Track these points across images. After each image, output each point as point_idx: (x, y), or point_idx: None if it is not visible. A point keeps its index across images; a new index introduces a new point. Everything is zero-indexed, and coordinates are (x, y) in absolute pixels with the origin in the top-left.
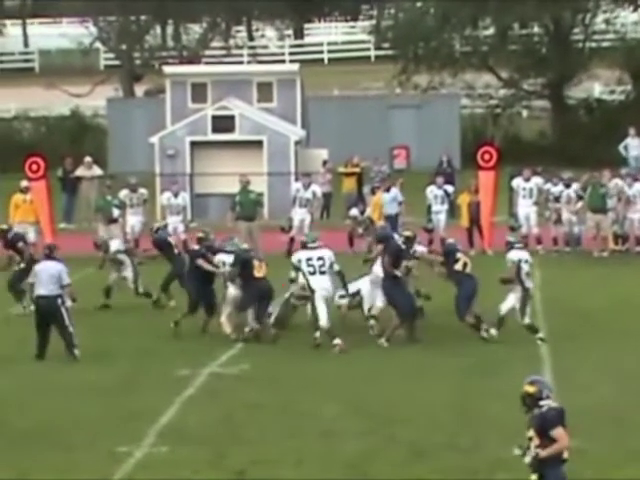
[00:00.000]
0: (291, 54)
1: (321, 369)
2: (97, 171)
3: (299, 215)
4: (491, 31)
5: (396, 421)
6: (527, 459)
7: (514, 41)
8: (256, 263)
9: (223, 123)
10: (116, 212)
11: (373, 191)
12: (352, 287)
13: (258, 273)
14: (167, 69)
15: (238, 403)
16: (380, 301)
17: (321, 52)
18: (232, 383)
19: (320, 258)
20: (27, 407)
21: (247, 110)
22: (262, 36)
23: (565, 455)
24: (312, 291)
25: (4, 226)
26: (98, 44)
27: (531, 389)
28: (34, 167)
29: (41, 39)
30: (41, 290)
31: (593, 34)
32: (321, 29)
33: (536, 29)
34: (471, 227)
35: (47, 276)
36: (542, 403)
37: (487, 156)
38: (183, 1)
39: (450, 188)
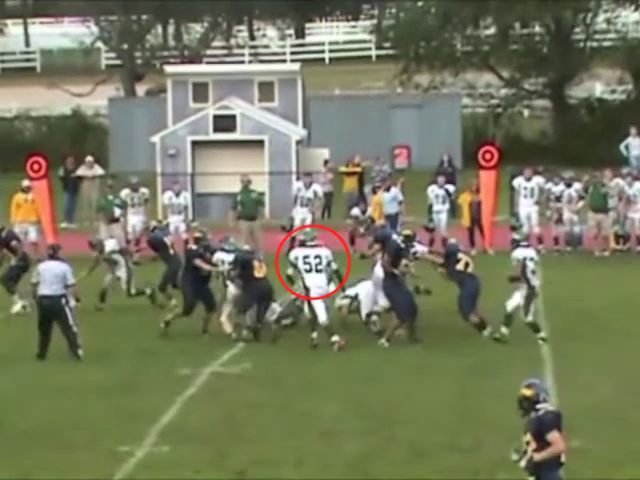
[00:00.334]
0: (292, 54)
1: (322, 369)
2: (98, 171)
3: (300, 214)
4: (492, 31)
5: (396, 421)
6: (523, 463)
7: (515, 41)
8: (256, 263)
9: (224, 123)
10: (117, 212)
11: (374, 190)
12: (350, 292)
13: (258, 273)
14: (168, 69)
15: (239, 402)
16: (383, 301)
17: (322, 52)
18: (233, 382)
19: (317, 256)
20: (27, 407)
21: (248, 110)
22: (263, 36)
23: (562, 458)
24: (307, 289)
25: None
26: (99, 44)
27: (528, 392)
28: (35, 167)
29: (42, 39)
30: (45, 290)
31: (594, 34)
32: (322, 29)
33: (537, 29)
34: (472, 227)
35: (51, 276)
36: (539, 406)
37: (488, 155)
38: (184, 0)
39: (451, 188)
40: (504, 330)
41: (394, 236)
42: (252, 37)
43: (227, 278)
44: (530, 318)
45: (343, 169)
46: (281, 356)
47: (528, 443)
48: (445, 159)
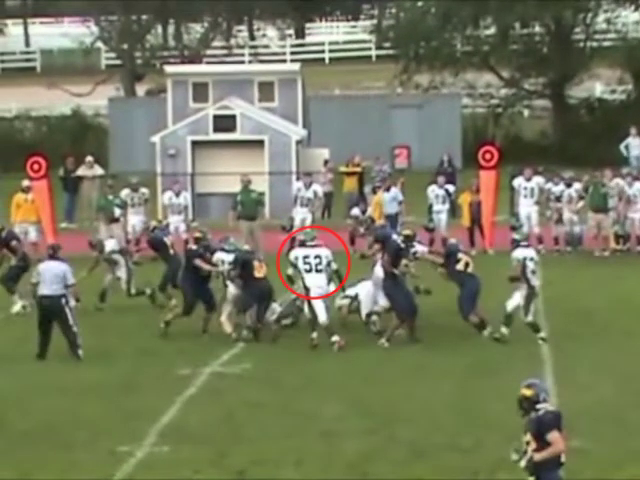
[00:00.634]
0: (292, 54)
1: (322, 369)
2: (98, 170)
3: (300, 214)
4: (492, 31)
5: (396, 421)
6: (523, 463)
7: (515, 41)
8: (256, 263)
9: (224, 123)
10: (117, 212)
11: (374, 190)
12: (350, 292)
13: (258, 273)
14: (168, 69)
15: (239, 402)
16: (383, 301)
17: (322, 52)
18: (233, 382)
19: (317, 256)
20: (27, 407)
21: (248, 110)
22: (263, 36)
23: (562, 459)
24: (307, 289)
25: None
26: (99, 44)
27: (528, 392)
28: (35, 167)
29: (42, 39)
30: (45, 290)
31: (594, 34)
32: (322, 29)
33: (537, 29)
34: (472, 227)
35: (51, 276)
36: (539, 406)
37: (488, 155)
38: (184, 0)
39: (451, 188)
40: (504, 330)
41: (394, 236)
42: (252, 37)
43: (227, 278)
44: (530, 318)
45: (343, 169)
46: (281, 356)
47: (528, 443)
48: (445, 159)
